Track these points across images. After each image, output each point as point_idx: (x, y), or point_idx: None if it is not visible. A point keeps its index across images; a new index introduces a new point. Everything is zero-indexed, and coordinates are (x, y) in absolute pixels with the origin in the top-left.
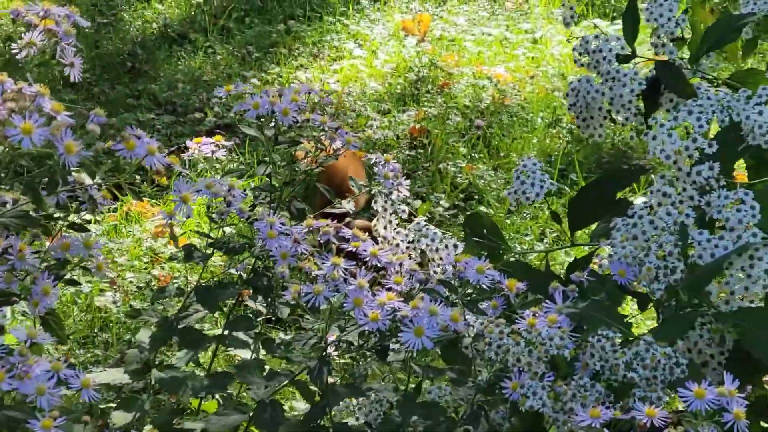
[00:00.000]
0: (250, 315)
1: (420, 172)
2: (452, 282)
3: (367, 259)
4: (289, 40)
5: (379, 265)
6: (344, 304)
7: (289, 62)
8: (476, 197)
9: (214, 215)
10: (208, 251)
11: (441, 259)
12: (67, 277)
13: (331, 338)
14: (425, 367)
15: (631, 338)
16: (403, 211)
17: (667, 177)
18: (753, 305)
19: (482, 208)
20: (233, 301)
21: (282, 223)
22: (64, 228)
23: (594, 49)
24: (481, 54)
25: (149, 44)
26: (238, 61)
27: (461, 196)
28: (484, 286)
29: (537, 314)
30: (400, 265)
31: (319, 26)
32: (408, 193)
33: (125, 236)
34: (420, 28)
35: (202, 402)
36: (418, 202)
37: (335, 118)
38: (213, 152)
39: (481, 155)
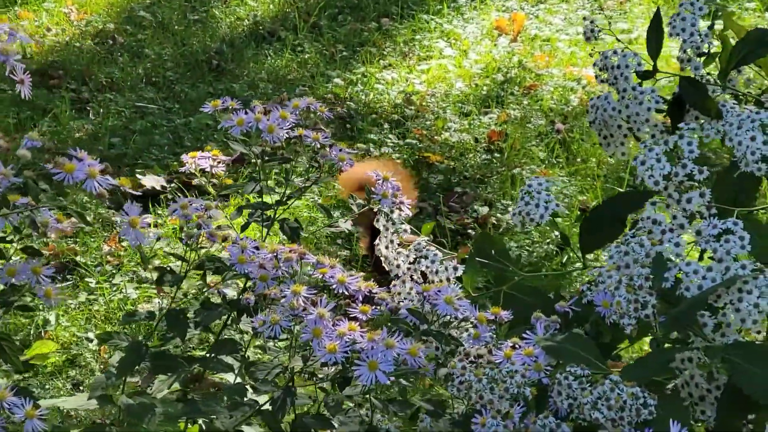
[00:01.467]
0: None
1: (494, 176)
2: (422, 311)
3: (334, 286)
4: (380, 39)
5: (347, 293)
6: (302, 335)
7: (377, 62)
8: None
9: (183, 238)
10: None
11: (441, 281)
12: (20, 302)
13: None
14: (385, 401)
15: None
16: (405, 230)
17: (658, 203)
18: (746, 339)
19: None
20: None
21: (256, 247)
22: (18, 251)
23: (612, 65)
24: (573, 55)
25: (237, 42)
26: (325, 60)
27: None
28: (453, 318)
29: (517, 345)
30: (370, 292)
31: (411, 24)
32: (410, 213)
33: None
34: (514, 28)
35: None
36: (485, 209)
37: (415, 119)
38: (212, 167)
39: (560, 160)
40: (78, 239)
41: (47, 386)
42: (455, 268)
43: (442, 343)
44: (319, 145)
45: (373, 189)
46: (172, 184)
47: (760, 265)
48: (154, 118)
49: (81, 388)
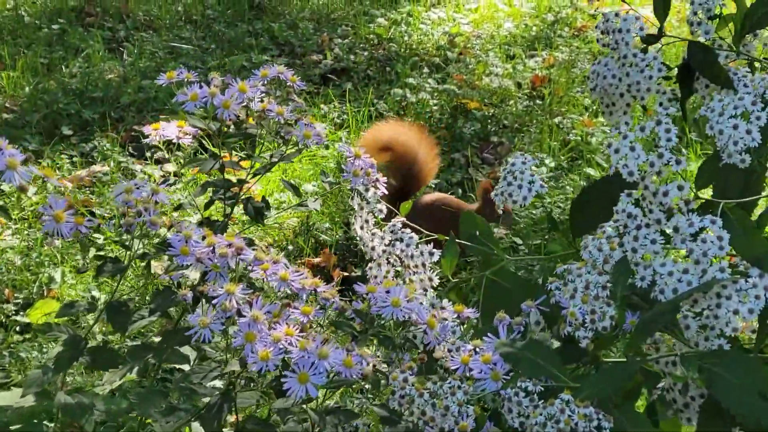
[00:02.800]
0: None
1: (533, 125)
2: (367, 314)
3: (275, 284)
4: None
5: (289, 292)
6: (234, 340)
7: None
8: (586, 156)
9: (122, 227)
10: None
11: (417, 267)
12: None
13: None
14: (322, 413)
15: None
16: (380, 211)
17: (633, 195)
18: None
19: (590, 170)
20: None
21: (204, 237)
22: None
23: (614, 28)
24: None
25: None
26: None
27: (570, 154)
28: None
29: (478, 349)
30: (315, 291)
31: None
32: (385, 191)
33: None
34: None
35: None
36: None
37: (456, 63)
38: (178, 138)
39: None
40: (96, 189)
41: (45, 349)
42: (431, 253)
43: (390, 348)
44: (282, 120)
45: (344, 166)
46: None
47: (746, 264)
48: (188, 59)
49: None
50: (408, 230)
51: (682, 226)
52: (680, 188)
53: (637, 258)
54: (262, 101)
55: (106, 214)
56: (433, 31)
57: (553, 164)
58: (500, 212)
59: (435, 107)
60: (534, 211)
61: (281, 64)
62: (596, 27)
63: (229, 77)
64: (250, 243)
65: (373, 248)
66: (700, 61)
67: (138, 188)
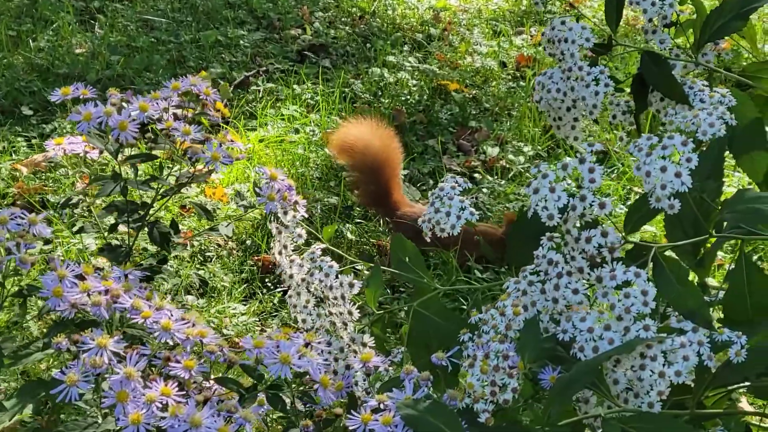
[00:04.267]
0: None
1: (515, 109)
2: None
3: (156, 334)
4: None
5: (171, 342)
6: (104, 400)
7: None
8: (564, 145)
9: None
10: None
11: (336, 299)
12: None
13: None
14: None
15: None
16: (299, 236)
17: (555, 238)
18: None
19: (568, 159)
20: None
21: (80, 276)
22: None
23: (560, 37)
24: None
25: None
26: None
27: (549, 142)
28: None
29: (383, 406)
30: (201, 341)
31: None
32: (305, 214)
33: None
34: None
35: None
36: (495, 150)
37: (440, 40)
38: (86, 153)
39: None
40: (51, 174)
41: None
42: (351, 285)
43: (279, 408)
44: (189, 141)
45: (257, 189)
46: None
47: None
48: (161, 33)
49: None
50: (328, 258)
51: (604, 278)
52: (604, 234)
53: (559, 307)
54: (175, 115)
55: (60, 201)
56: (419, 5)
57: (531, 152)
58: None
59: (414, 88)
60: (510, 206)
61: (258, 39)
62: (542, 34)
63: (129, 93)
64: (149, 278)
65: (291, 276)
66: (653, 74)
67: (13, 218)
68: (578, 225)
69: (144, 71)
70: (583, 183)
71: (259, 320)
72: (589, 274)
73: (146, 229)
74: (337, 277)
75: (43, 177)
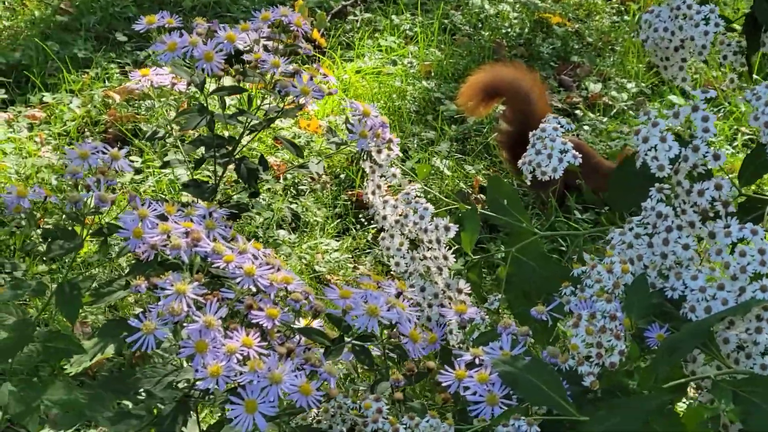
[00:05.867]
0: None
1: (617, 44)
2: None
3: (240, 280)
4: None
5: (254, 289)
6: (182, 350)
7: None
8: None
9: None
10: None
11: (431, 242)
12: None
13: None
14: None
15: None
16: (393, 175)
17: (665, 189)
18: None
19: (673, 97)
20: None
21: (162, 216)
22: None
23: None
24: None
25: None
26: None
27: (654, 79)
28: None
29: (478, 360)
30: (286, 289)
31: None
32: (399, 152)
33: None
34: None
35: None
36: (597, 86)
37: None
38: (173, 84)
39: None
40: (144, 102)
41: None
42: (447, 228)
43: (367, 362)
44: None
45: (350, 125)
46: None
47: None
48: None
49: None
50: (423, 200)
51: (718, 233)
52: (718, 187)
53: (668, 263)
54: (265, 47)
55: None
56: None
57: (635, 89)
58: None
59: (515, 21)
60: (612, 145)
61: None
62: None
63: (215, 23)
64: (235, 216)
65: (384, 217)
66: (764, 11)
67: (95, 153)
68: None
69: None
70: (696, 132)
71: (352, 257)
72: (700, 228)
73: (233, 164)
74: (432, 219)
75: (136, 105)
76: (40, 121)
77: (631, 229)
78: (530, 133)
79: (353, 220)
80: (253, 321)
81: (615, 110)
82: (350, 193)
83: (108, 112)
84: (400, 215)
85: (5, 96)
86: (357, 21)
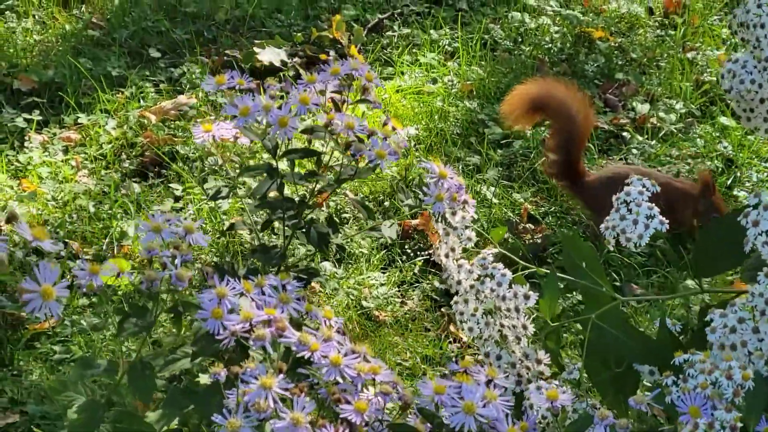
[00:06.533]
0: None
1: (664, 59)
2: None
3: (326, 370)
4: None
5: (340, 380)
6: None
7: None
8: (722, 101)
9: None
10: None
11: (509, 310)
12: None
13: None
14: None
15: None
16: (469, 239)
17: None
18: None
19: (724, 120)
20: None
21: (241, 293)
22: None
23: (755, 22)
24: None
25: None
26: None
27: (703, 99)
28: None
29: None
30: (374, 380)
31: None
32: (475, 215)
33: None
34: None
35: None
36: (645, 107)
37: None
38: (236, 138)
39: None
40: (181, 122)
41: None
42: (527, 297)
43: None
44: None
45: (425, 188)
46: (295, 60)
47: None
48: None
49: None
50: (500, 265)
51: None
52: None
53: None
54: (334, 102)
55: (190, 155)
56: None
57: (683, 110)
58: (713, 215)
59: (556, 35)
60: (662, 169)
61: None
62: (732, 15)
63: (287, 83)
64: (305, 282)
65: (459, 282)
66: None
67: (169, 223)
68: None
69: (275, 12)
70: None
71: (400, 291)
72: None
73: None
74: (510, 286)
75: (172, 126)
76: (76, 144)
77: (734, 312)
78: (613, 197)
79: (399, 251)
80: (342, 416)
81: (663, 132)
82: (396, 219)
83: (144, 134)
84: (476, 280)
85: (39, 117)
86: (395, 36)
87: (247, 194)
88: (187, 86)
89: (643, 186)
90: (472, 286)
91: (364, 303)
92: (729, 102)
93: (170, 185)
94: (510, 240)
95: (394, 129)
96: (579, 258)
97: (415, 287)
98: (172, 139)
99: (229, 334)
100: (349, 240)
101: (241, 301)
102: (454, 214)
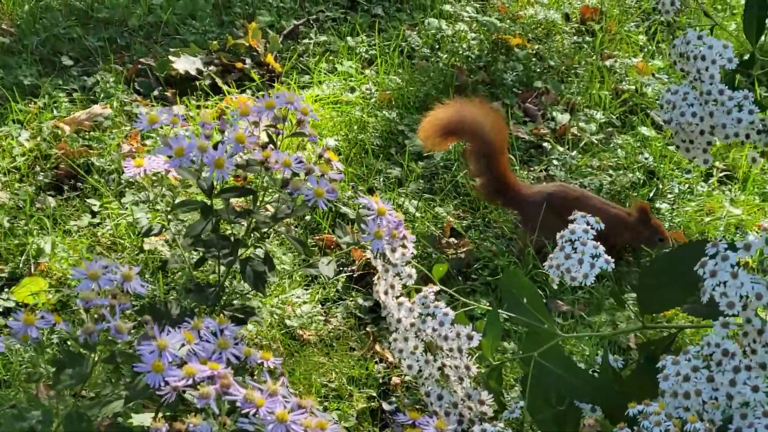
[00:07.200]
0: None
1: (582, 67)
2: None
3: (271, 427)
4: None
5: None
6: None
7: None
8: (642, 111)
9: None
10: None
11: (451, 350)
12: None
13: None
14: None
15: None
16: (409, 276)
17: (731, 324)
18: None
19: (644, 129)
20: None
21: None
22: None
23: (695, 54)
24: None
25: None
26: None
27: (623, 108)
28: None
29: None
30: None
31: None
32: (414, 251)
33: None
34: None
35: None
36: (566, 117)
37: None
38: (166, 171)
39: (662, 48)
40: (96, 132)
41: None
42: (470, 337)
43: None
44: (289, 174)
45: (363, 225)
46: (210, 68)
47: None
48: None
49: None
50: (442, 304)
51: None
52: None
53: (735, 404)
54: (269, 136)
55: (106, 167)
56: None
57: (603, 119)
58: (658, 239)
59: (473, 41)
60: (585, 181)
61: None
62: (672, 45)
63: (223, 122)
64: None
65: (399, 320)
66: None
67: (105, 271)
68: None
69: (188, 18)
70: None
71: (324, 308)
72: None
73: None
74: (452, 325)
75: (87, 137)
76: None
77: (688, 360)
78: (557, 235)
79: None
80: None
81: (584, 142)
82: (317, 237)
83: (58, 146)
84: (417, 318)
85: None
86: (311, 44)
87: (179, 232)
88: (102, 95)
89: (588, 224)
90: (412, 325)
91: (287, 322)
92: (649, 112)
93: (87, 199)
94: (434, 255)
95: (329, 161)
96: (520, 294)
97: (339, 304)
98: (88, 151)
99: (171, 389)
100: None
101: (181, 350)
102: (393, 251)
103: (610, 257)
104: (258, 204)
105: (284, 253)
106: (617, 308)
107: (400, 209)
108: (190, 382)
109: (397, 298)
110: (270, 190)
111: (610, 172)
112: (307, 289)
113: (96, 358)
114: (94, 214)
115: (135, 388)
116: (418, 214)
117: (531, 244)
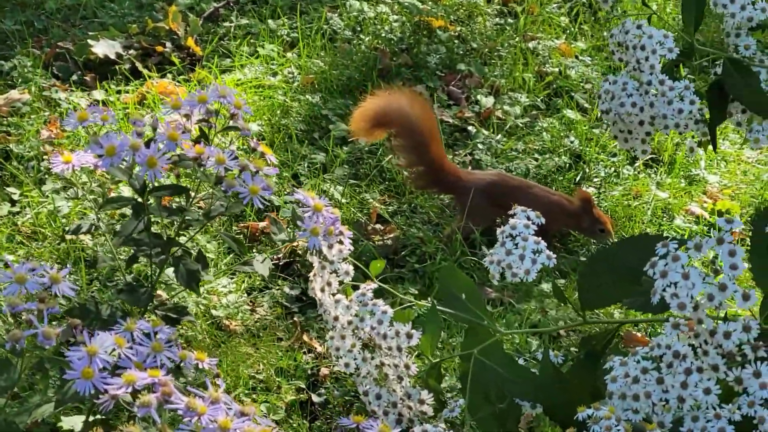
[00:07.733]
0: None
1: (504, 49)
2: None
3: None
4: None
5: None
6: None
7: None
8: (567, 94)
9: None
10: None
11: (390, 349)
12: None
13: None
14: None
15: None
16: (346, 273)
17: (681, 326)
18: None
19: (569, 113)
20: None
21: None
22: None
23: (635, 44)
24: None
25: None
26: None
27: (547, 90)
28: None
29: None
30: None
31: None
32: (351, 248)
33: None
34: None
35: None
36: (490, 100)
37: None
38: (95, 166)
39: (584, 29)
40: (14, 118)
41: None
42: (409, 336)
43: None
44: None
45: (300, 222)
46: (130, 52)
47: None
48: None
49: None
50: (381, 302)
51: (745, 379)
52: (746, 329)
53: (685, 407)
54: (202, 131)
55: (25, 154)
56: None
57: (527, 102)
58: (599, 230)
59: (395, 23)
60: (510, 166)
61: None
62: (610, 34)
63: (155, 120)
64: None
65: (336, 318)
66: (735, 83)
67: (32, 273)
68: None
69: (107, 1)
70: (724, 269)
71: (250, 298)
72: (725, 373)
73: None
74: (392, 324)
75: (5, 123)
76: None
77: (637, 362)
78: (498, 230)
79: (248, 255)
80: None
81: (508, 125)
82: (241, 225)
83: None
84: (354, 316)
85: None
86: (231, 27)
87: (109, 230)
88: (19, 80)
89: (528, 218)
90: (350, 322)
91: (213, 312)
92: (573, 95)
93: (6, 187)
94: (360, 242)
95: (263, 155)
96: (458, 290)
97: (265, 293)
98: (6, 138)
99: (110, 398)
100: (194, 244)
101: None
102: (330, 247)
103: (552, 253)
104: (190, 201)
105: (208, 241)
106: (546, 295)
107: (325, 195)
108: (130, 390)
109: (334, 295)
110: (203, 185)
111: (536, 155)
112: (232, 278)
113: (23, 365)
114: (13, 203)
115: (65, 394)
116: (343, 201)
117: (459, 231)
